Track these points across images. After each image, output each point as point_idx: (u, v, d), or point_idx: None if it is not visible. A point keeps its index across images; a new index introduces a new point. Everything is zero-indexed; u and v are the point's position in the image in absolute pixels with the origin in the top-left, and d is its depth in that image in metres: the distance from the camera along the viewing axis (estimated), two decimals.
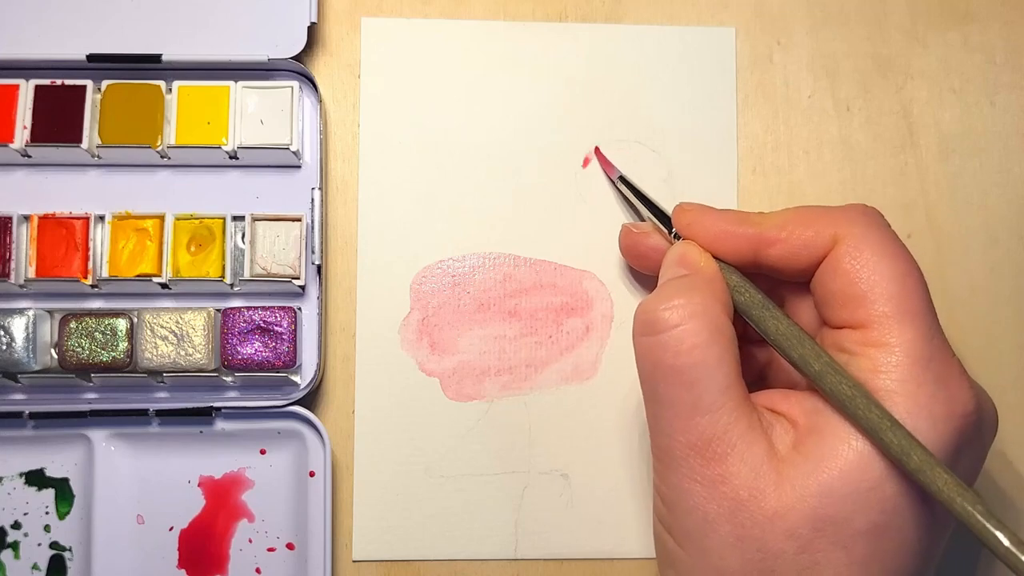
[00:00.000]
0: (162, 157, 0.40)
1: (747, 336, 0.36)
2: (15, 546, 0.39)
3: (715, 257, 0.35)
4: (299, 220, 0.39)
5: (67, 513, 0.40)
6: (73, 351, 0.38)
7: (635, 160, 0.42)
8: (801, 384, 0.35)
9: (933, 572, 0.32)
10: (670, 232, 0.37)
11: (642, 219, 0.40)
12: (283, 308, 0.39)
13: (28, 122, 0.39)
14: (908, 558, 0.30)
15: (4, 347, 0.38)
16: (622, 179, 0.40)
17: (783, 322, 0.33)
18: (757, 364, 0.38)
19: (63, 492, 0.40)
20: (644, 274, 0.41)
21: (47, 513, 0.40)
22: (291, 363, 0.39)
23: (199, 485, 0.40)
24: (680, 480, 0.31)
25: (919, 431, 0.29)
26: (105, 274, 0.39)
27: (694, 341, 0.31)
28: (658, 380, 0.32)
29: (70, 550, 0.39)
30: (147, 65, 0.40)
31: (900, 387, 0.30)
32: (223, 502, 0.40)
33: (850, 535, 0.30)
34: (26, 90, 0.39)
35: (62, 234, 0.39)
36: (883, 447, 0.29)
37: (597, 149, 0.42)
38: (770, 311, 0.33)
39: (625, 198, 0.41)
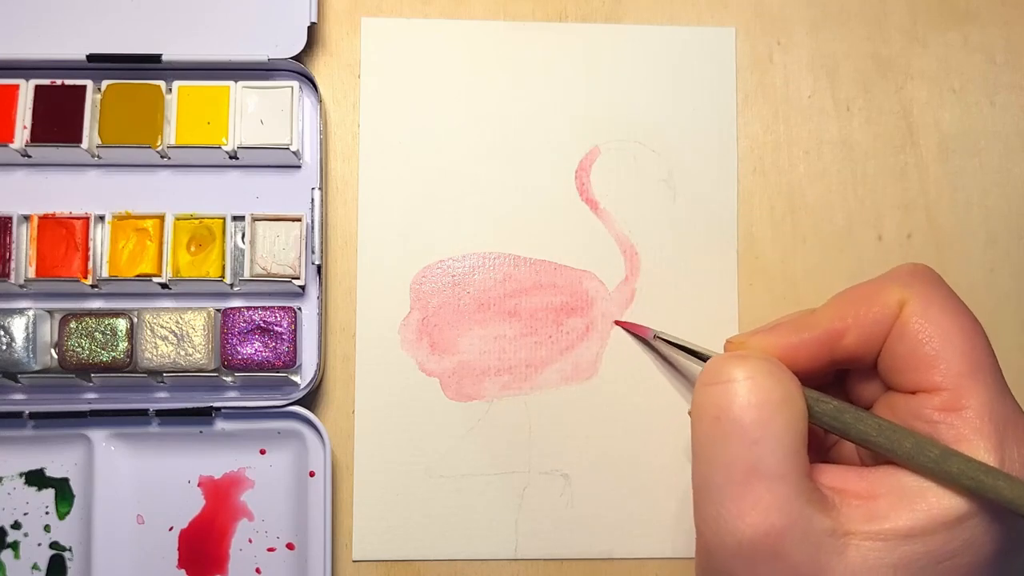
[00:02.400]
0: (162, 157, 0.40)
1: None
2: (15, 546, 0.39)
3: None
4: (299, 220, 0.39)
5: (67, 513, 0.40)
6: (73, 351, 0.38)
7: (635, 160, 0.42)
8: (864, 463, 0.34)
9: None
10: None
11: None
12: (283, 308, 0.39)
13: (28, 122, 0.39)
14: None
15: (4, 347, 0.38)
16: (658, 337, 0.39)
17: (882, 421, 0.31)
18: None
19: (63, 492, 0.40)
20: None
21: (47, 513, 0.40)
22: (291, 363, 0.39)
23: (199, 485, 0.40)
24: (729, 557, 0.30)
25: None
26: (105, 274, 0.39)
27: (766, 396, 0.30)
28: (716, 436, 0.30)
29: (70, 550, 0.39)
30: (147, 65, 0.40)
31: (987, 456, 0.29)
32: (223, 502, 0.40)
33: None
34: (26, 90, 0.39)
35: (62, 234, 0.39)
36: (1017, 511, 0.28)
37: (618, 322, 0.41)
38: (864, 413, 0.32)
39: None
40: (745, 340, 0.34)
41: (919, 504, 0.30)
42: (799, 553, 0.29)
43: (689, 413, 0.32)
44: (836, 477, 0.31)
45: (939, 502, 0.30)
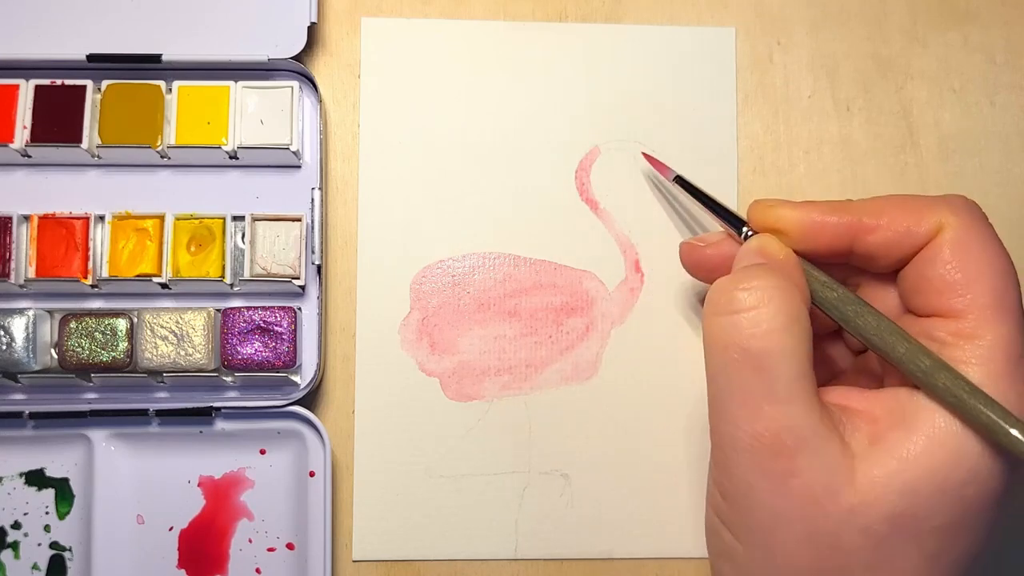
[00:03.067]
0: (162, 157, 0.40)
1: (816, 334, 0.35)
2: (15, 546, 0.39)
3: (796, 252, 0.34)
4: (299, 220, 0.39)
5: (67, 513, 0.40)
6: (73, 351, 0.38)
7: (635, 160, 0.42)
8: (873, 384, 0.34)
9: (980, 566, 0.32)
10: (739, 233, 0.35)
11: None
12: (283, 308, 0.39)
13: (28, 122, 0.39)
14: (974, 551, 0.31)
15: (4, 347, 0.38)
16: (679, 180, 0.39)
17: (882, 319, 0.32)
18: (829, 364, 0.37)
19: (63, 492, 0.40)
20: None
21: (47, 513, 0.40)
22: (291, 363, 0.39)
23: (199, 485, 0.40)
24: (745, 474, 0.31)
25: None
26: (105, 274, 0.39)
27: (771, 325, 0.30)
28: (727, 363, 0.31)
29: (70, 550, 0.39)
30: (147, 65, 0.40)
31: (991, 382, 0.30)
32: (223, 502, 0.40)
33: (926, 531, 0.30)
34: (26, 90, 0.39)
35: (62, 234, 0.39)
36: (1002, 446, 0.29)
37: (645, 154, 0.41)
38: (866, 307, 0.32)
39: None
40: (774, 205, 0.34)
41: (917, 425, 0.30)
42: (811, 473, 0.30)
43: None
44: (842, 396, 0.32)
45: (935, 423, 0.30)
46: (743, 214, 0.36)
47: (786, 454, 0.30)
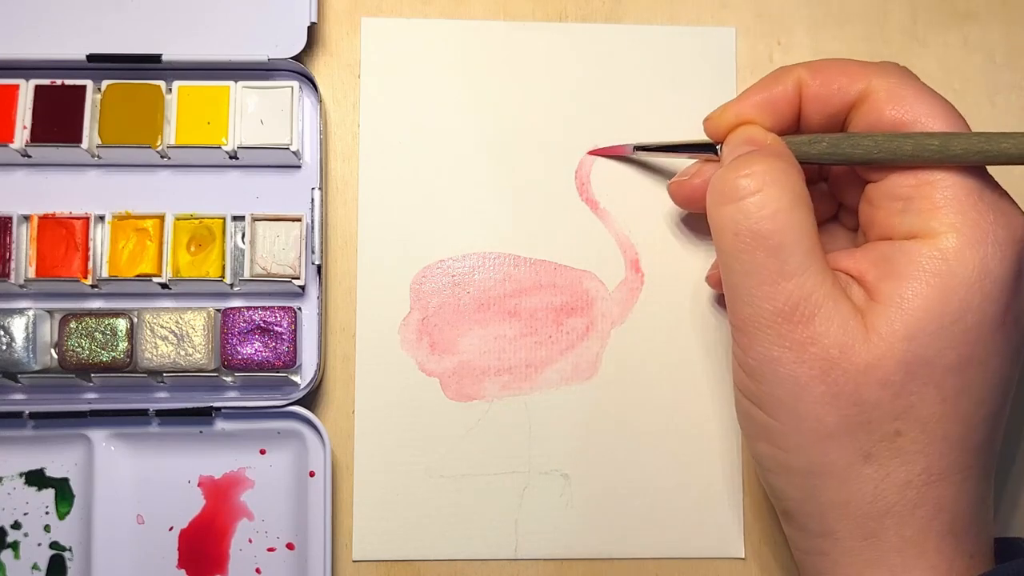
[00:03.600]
0: (162, 157, 0.40)
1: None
2: (15, 546, 0.39)
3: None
4: (299, 220, 0.39)
5: (67, 513, 0.40)
6: (73, 351, 0.38)
7: (635, 160, 0.42)
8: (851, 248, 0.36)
9: (1009, 405, 0.33)
10: (716, 155, 0.37)
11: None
12: (283, 308, 0.39)
13: (28, 122, 0.39)
14: (992, 388, 0.32)
15: (4, 347, 0.38)
16: (639, 147, 0.40)
17: (876, 136, 0.33)
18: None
19: (63, 492, 0.40)
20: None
21: (47, 513, 0.40)
22: (291, 363, 0.39)
23: (199, 485, 0.40)
24: (767, 348, 0.32)
25: (986, 257, 0.31)
26: (105, 274, 0.39)
27: (777, 206, 0.31)
28: (740, 249, 0.32)
29: (70, 550, 0.39)
30: (147, 65, 0.40)
31: (961, 219, 0.31)
32: (223, 502, 0.40)
33: (940, 372, 0.31)
34: (26, 90, 0.39)
35: (62, 234, 0.39)
36: None
37: (592, 152, 0.42)
38: (857, 135, 0.33)
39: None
40: (724, 108, 0.36)
41: (903, 271, 0.31)
42: (829, 337, 0.31)
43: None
44: (833, 260, 0.33)
45: (919, 265, 0.31)
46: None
47: (804, 323, 0.31)
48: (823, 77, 0.34)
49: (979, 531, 0.32)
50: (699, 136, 0.38)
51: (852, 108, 0.34)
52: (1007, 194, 0.32)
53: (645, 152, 0.41)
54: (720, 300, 0.41)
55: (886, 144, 0.32)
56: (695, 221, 0.42)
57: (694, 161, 0.39)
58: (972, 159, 0.31)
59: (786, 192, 0.32)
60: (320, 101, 0.41)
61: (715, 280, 0.40)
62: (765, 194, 0.32)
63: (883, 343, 0.31)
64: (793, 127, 0.36)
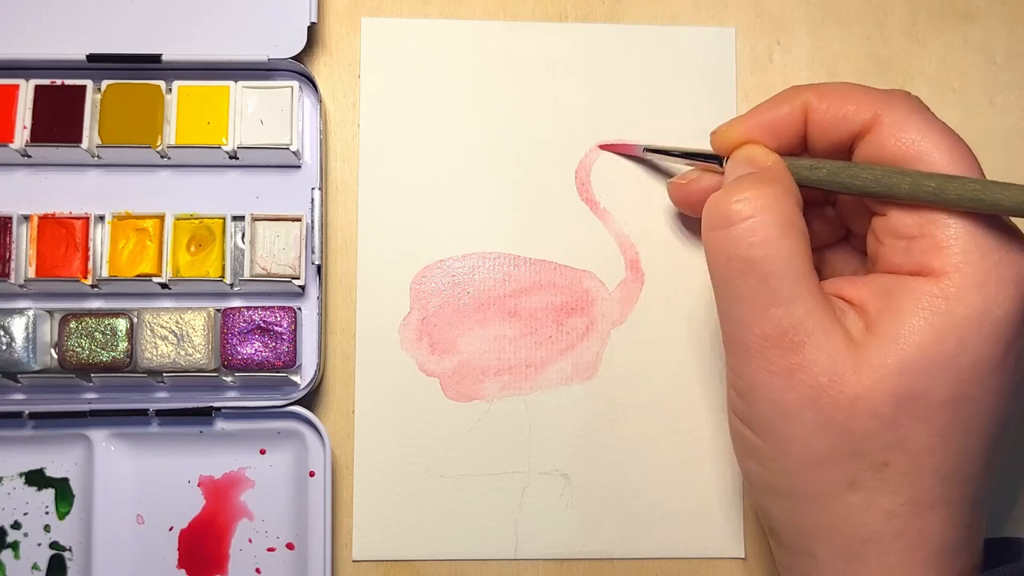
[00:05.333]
0: (162, 157, 0.40)
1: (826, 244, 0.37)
2: (15, 546, 0.39)
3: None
4: (299, 220, 0.39)
5: (67, 513, 0.40)
6: (73, 351, 0.38)
7: (635, 160, 0.42)
8: (861, 272, 0.36)
9: (1008, 442, 0.33)
10: (721, 167, 0.37)
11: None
12: (283, 308, 0.39)
13: (28, 122, 0.39)
14: (987, 425, 0.31)
15: (4, 347, 0.38)
16: (648, 149, 0.41)
17: (876, 168, 0.32)
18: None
19: (63, 492, 0.40)
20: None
21: (47, 513, 0.40)
22: (291, 363, 0.39)
23: (199, 485, 0.40)
24: (756, 372, 0.32)
25: (988, 298, 0.30)
26: (105, 274, 0.39)
27: (767, 233, 0.31)
28: (731, 274, 0.32)
29: (70, 550, 0.39)
30: (147, 65, 0.40)
31: (964, 259, 0.31)
32: (223, 502, 0.40)
33: (932, 407, 0.30)
34: (26, 90, 0.39)
35: (62, 234, 0.39)
36: None
37: (602, 145, 0.42)
38: (858, 166, 0.33)
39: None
40: (731, 125, 0.36)
41: (903, 306, 0.31)
42: (817, 365, 0.31)
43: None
44: (835, 286, 0.33)
45: (919, 301, 0.31)
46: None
47: (793, 350, 0.31)
48: (830, 102, 0.34)
49: (968, 554, 0.32)
50: (699, 136, 0.38)
51: (857, 136, 0.34)
52: (1017, 231, 0.32)
53: (653, 154, 0.41)
54: None
55: (884, 179, 0.32)
56: (695, 221, 0.41)
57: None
58: (966, 206, 0.30)
59: (777, 219, 0.31)
60: (320, 101, 0.41)
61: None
62: (756, 220, 0.31)
63: (875, 374, 0.30)
64: (799, 148, 0.35)
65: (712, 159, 0.37)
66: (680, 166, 0.40)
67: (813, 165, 0.34)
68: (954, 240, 0.31)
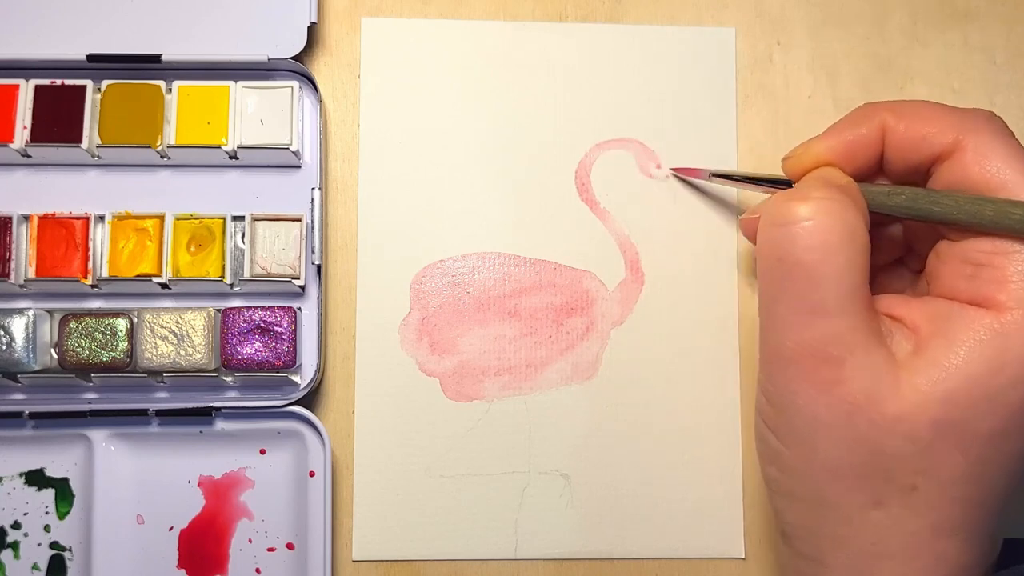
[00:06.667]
0: (162, 157, 0.40)
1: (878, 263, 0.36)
2: (15, 546, 0.39)
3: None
4: (299, 220, 0.39)
5: (67, 513, 0.40)
6: (73, 351, 0.38)
7: (634, 160, 0.42)
8: (918, 293, 0.35)
9: None
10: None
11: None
12: (283, 308, 0.39)
13: (28, 122, 0.39)
14: (1018, 461, 0.31)
15: (4, 347, 0.38)
16: (715, 175, 0.40)
17: (958, 196, 0.31)
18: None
19: (63, 492, 0.40)
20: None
21: (47, 513, 0.40)
22: (291, 363, 0.39)
23: (199, 485, 0.40)
24: (789, 381, 0.31)
25: None
26: (105, 274, 0.39)
27: (825, 238, 0.30)
28: (781, 275, 0.31)
29: (70, 550, 0.39)
30: (147, 65, 0.40)
31: None
32: (223, 502, 0.40)
33: (971, 438, 0.30)
34: (26, 90, 0.39)
35: (62, 234, 0.39)
36: None
37: (674, 169, 0.41)
38: (938, 193, 0.32)
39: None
40: (805, 148, 0.34)
41: (957, 334, 0.30)
42: (856, 383, 0.30)
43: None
44: (886, 304, 0.32)
45: (975, 331, 0.30)
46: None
47: (832, 364, 0.30)
48: (908, 123, 0.33)
49: (980, 573, 0.32)
50: (699, 136, 0.38)
51: (937, 160, 0.32)
52: None
53: (720, 180, 0.40)
54: (721, 299, 0.41)
55: (967, 206, 0.31)
56: (695, 221, 0.42)
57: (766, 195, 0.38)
58: None
59: (839, 227, 0.30)
60: (320, 101, 0.41)
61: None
62: (817, 223, 0.30)
63: (917, 399, 0.30)
64: (875, 170, 0.34)
65: (781, 184, 0.36)
66: (751, 192, 0.40)
67: (891, 191, 0.33)
68: (1022, 275, 0.30)
